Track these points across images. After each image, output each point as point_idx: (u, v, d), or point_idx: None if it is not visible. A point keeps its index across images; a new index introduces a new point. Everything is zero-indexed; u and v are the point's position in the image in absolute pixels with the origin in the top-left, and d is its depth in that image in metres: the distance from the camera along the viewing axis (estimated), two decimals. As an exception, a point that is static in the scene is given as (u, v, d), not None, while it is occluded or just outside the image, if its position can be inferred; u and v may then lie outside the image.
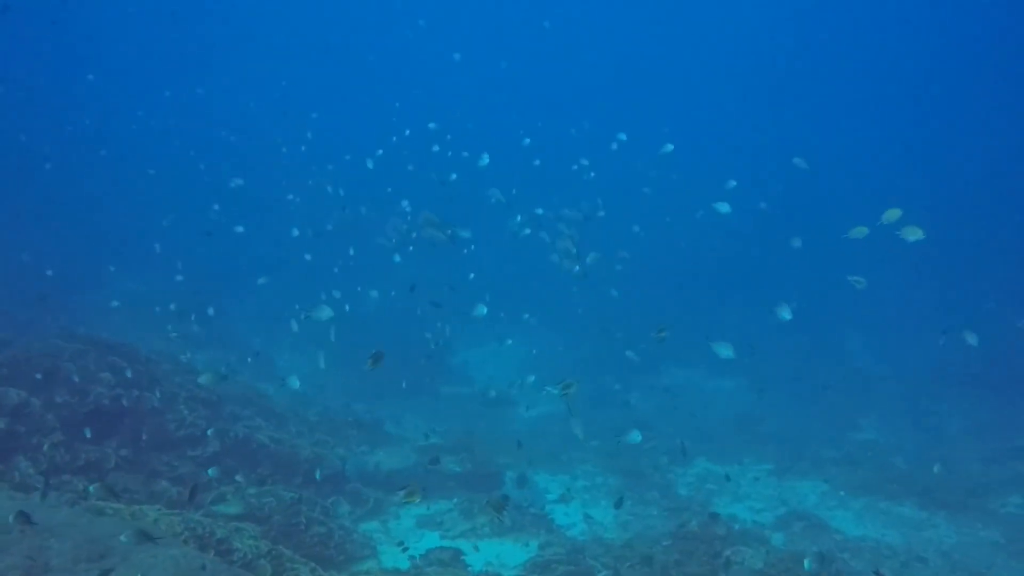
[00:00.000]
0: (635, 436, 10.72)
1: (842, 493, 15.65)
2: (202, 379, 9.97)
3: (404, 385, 19.50)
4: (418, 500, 8.86)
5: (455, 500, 13.58)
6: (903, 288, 32.87)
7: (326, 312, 9.53)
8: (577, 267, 15.78)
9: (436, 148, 21.25)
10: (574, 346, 26.97)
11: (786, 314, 11.28)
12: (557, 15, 59.00)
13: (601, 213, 21.23)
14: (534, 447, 17.65)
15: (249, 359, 22.02)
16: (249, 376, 20.21)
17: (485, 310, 15.62)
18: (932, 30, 54.47)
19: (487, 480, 14.53)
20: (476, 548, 11.74)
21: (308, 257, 23.38)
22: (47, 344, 12.56)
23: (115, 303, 23.46)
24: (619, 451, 17.80)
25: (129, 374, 12.35)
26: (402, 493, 8.78)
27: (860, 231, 9.65)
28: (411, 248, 20.92)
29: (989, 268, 35.09)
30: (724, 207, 13.06)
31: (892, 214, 9.35)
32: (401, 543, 11.79)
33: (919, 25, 54.35)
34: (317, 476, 12.41)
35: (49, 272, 24.56)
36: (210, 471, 10.69)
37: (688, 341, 26.97)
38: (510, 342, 26.19)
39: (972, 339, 9.31)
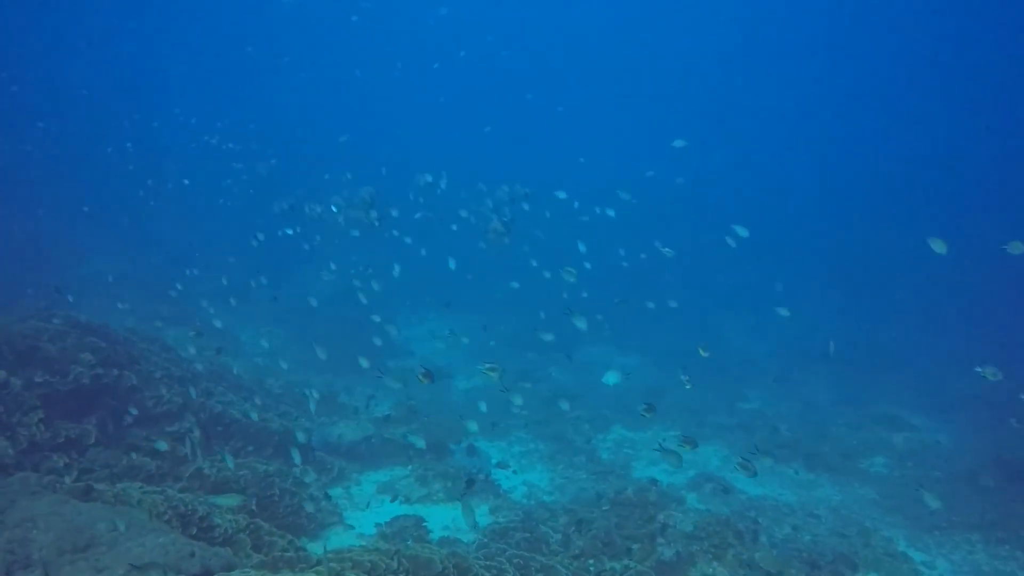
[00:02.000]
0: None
1: (740, 457, 15.30)
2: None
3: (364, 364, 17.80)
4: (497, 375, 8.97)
5: (410, 468, 12.65)
6: (772, 278, 33.33)
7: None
8: (506, 239, 14.41)
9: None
10: (501, 327, 26.02)
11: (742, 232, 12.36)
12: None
13: (526, 204, 19.24)
14: (472, 416, 16.87)
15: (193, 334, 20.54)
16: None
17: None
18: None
19: (438, 448, 13.60)
20: (476, 526, 10.32)
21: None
22: (26, 325, 11.08)
23: (111, 278, 21.84)
24: (548, 419, 17.16)
25: (107, 354, 11.00)
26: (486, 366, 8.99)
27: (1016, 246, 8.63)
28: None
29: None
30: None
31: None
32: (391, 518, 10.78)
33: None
34: (295, 459, 11.31)
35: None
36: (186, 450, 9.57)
37: (603, 324, 26.61)
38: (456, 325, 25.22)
39: (995, 374, 8.41)
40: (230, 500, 7.57)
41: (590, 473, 13.80)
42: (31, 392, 9.80)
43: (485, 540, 9.39)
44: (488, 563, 7.53)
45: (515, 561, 7.92)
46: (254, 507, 9.05)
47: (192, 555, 5.74)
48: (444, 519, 10.84)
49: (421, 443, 10.60)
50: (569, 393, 19.18)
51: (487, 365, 9.16)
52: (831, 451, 15.25)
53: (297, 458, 10.59)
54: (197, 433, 10.39)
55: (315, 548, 8.06)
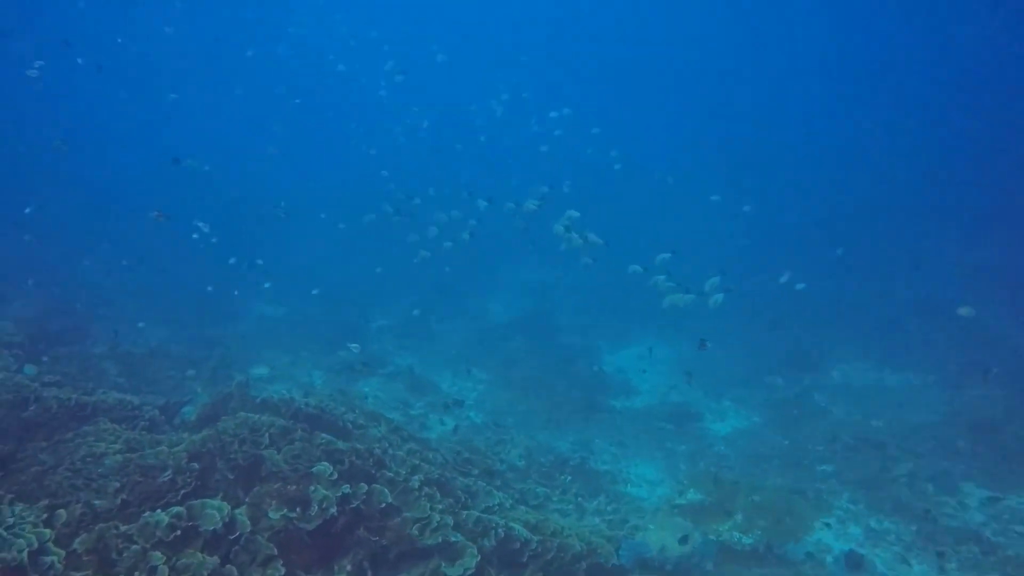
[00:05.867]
0: None
1: None
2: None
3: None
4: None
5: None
6: None
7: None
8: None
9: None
10: (722, 344, 21.59)
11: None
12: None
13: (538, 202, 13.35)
14: (766, 482, 13.01)
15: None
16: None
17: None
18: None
19: (779, 556, 9.70)
20: None
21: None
22: (239, 422, 8.23)
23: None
24: (871, 480, 13.04)
25: (349, 460, 7.95)
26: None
27: None
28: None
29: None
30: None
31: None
32: None
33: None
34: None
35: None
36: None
37: (849, 331, 22.13)
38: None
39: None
40: None
41: None
42: (263, 534, 6.83)
43: None
44: None
45: None
46: None
47: None
48: None
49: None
50: (873, 437, 15.01)
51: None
52: None
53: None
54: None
55: None
